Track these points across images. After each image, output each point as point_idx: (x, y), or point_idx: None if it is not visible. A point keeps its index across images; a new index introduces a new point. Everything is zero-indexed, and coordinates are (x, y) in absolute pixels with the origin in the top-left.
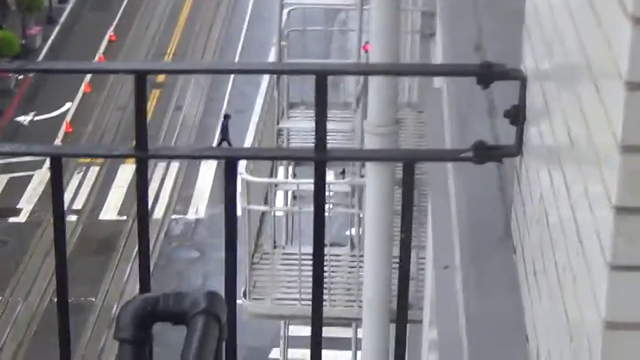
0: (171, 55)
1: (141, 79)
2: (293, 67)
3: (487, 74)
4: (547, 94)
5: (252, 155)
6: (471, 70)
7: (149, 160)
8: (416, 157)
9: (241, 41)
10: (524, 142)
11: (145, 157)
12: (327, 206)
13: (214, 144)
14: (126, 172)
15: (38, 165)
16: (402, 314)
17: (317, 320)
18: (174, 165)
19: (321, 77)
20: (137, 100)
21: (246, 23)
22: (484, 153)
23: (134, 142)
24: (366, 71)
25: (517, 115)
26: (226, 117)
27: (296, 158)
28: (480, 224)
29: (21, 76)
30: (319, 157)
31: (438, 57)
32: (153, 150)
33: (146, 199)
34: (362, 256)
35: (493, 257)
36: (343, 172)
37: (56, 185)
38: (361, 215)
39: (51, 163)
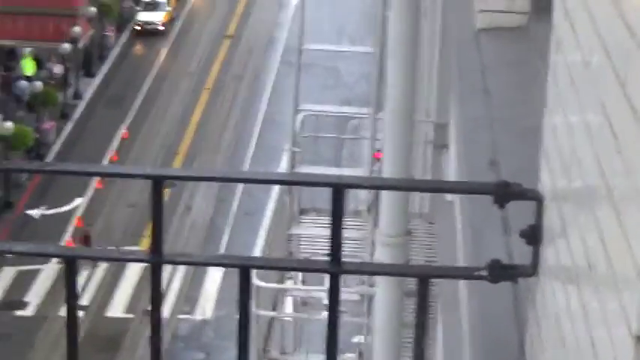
0: (182, 156)
1: (158, 184)
2: (309, 179)
3: (504, 194)
4: (565, 216)
5: (268, 265)
6: (487, 189)
7: None
8: (430, 273)
9: (253, 144)
10: (540, 262)
11: (160, 262)
12: None
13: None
14: (134, 269)
15: (47, 259)
16: None
17: None
18: (182, 265)
19: (338, 190)
20: (154, 205)
21: (258, 126)
22: (499, 272)
23: (146, 240)
24: (382, 186)
25: (534, 236)
26: None
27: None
28: (493, 344)
29: None
30: (334, 270)
31: (451, 169)
32: (168, 256)
33: (160, 304)
34: None
35: None
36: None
37: (69, 286)
38: (370, 324)
39: (65, 265)
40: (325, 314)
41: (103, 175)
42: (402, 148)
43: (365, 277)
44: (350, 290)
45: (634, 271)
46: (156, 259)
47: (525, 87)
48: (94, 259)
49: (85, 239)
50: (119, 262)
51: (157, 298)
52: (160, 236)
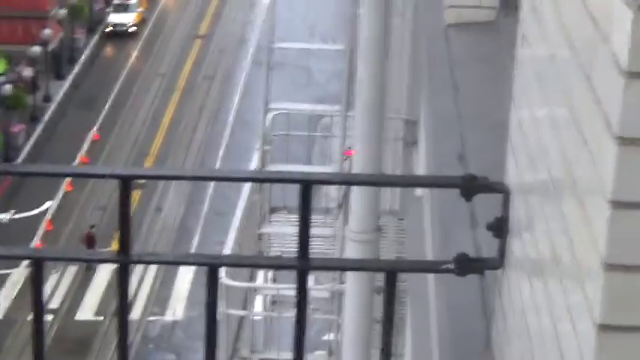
0: (153, 157)
1: (126, 184)
2: (277, 176)
3: (470, 187)
4: (531, 208)
5: (235, 262)
6: (454, 183)
7: None
8: (398, 267)
9: (224, 144)
10: (507, 254)
11: (128, 262)
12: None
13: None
14: (104, 272)
15: (16, 263)
16: None
17: None
18: (153, 266)
19: (307, 186)
20: (121, 205)
21: (229, 126)
22: (466, 265)
23: (116, 242)
24: (350, 181)
25: (500, 228)
26: None
27: (279, 267)
28: (460, 336)
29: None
30: (302, 266)
31: (421, 165)
32: (136, 255)
33: (127, 304)
34: None
35: None
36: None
37: (36, 288)
38: (340, 321)
39: (32, 267)
40: (295, 312)
41: (71, 175)
42: (373, 145)
43: (336, 275)
44: (320, 287)
45: (597, 262)
46: (123, 259)
47: (494, 82)
48: (62, 260)
49: (88, 240)
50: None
51: (124, 298)
52: (128, 236)
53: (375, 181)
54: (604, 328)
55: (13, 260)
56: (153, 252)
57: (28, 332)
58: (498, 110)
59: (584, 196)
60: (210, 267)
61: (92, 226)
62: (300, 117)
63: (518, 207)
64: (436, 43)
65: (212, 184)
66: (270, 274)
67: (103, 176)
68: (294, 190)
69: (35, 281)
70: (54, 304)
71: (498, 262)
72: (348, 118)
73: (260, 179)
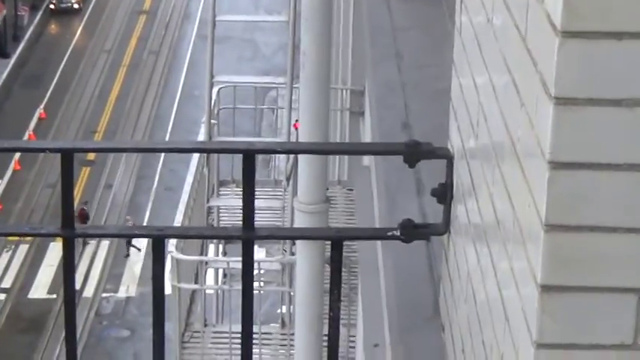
0: (101, 134)
1: (67, 157)
2: (221, 146)
3: (414, 153)
4: (473, 173)
5: (180, 234)
6: (397, 149)
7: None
8: (344, 235)
9: (172, 119)
10: (452, 220)
11: (73, 236)
12: (258, 284)
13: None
14: (56, 250)
15: None
16: None
17: None
18: (105, 243)
19: (249, 156)
20: (63, 178)
21: (176, 101)
22: (411, 231)
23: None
24: (293, 150)
25: (444, 194)
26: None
27: (224, 237)
28: (408, 302)
29: None
30: (247, 236)
31: (367, 135)
32: (80, 229)
33: (73, 279)
34: (293, 334)
35: (422, 335)
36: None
37: None
38: (292, 293)
39: None
40: None
41: (13, 150)
42: (319, 116)
43: (287, 248)
44: (270, 259)
45: (538, 224)
46: (68, 233)
47: (436, 49)
48: (6, 235)
49: (81, 216)
50: (32, 237)
51: (70, 273)
52: (71, 210)
53: (320, 149)
54: (546, 289)
55: None
56: (98, 225)
57: None
58: (441, 77)
59: (524, 158)
60: (156, 239)
61: (85, 202)
62: (247, 90)
63: (461, 172)
64: (378, 11)
65: (161, 159)
66: (221, 248)
67: (44, 150)
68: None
69: None
70: (6, 284)
71: (443, 227)
72: (294, 91)
73: (204, 149)
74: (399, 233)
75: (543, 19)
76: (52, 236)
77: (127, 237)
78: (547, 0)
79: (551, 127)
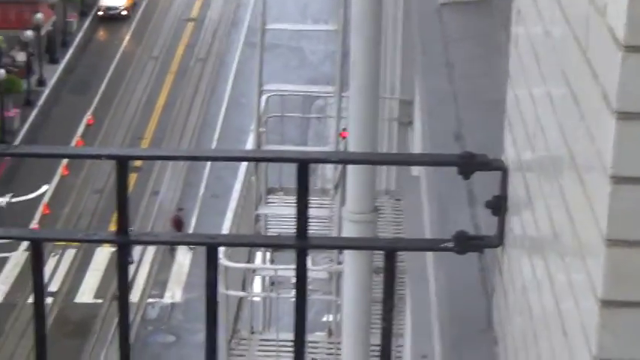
0: (148, 140)
1: (122, 164)
2: (275, 155)
3: (468, 164)
4: (529, 185)
5: (233, 242)
6: (452, 160)
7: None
8: (397, 246)
9: (219, 127)
10: (506, 232)
11: (126, 242)
12: None
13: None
14: (102, 255)
15: (14, 247)
16: None
17: None
18: (151, 248)
19: (303, 165)
20: (118, 186)
21: (223, 109)
22: (465, 243)
23: (113, 226)
24: (347, 160)
25: (499, 206)
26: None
27: (276, 245)
28: (461, 314)
29: None
30: (301, 245)
31: (416, 145)
32: (134, 235)
33: (127, 285)
34: (340, 343)
35: (474, 348)
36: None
37: (36, 269)
38: (339, 302)
39: (31, 248)
40: (294, 292)
41: (67, 156)
42: (368, 125)
43: (333, 257)
44: (318, 268)
45: (598, 238)
46: (122, 239)
47: (489, 59)
48: (60, 241)
49: (176, 223)
50: (86, 243)
51: (123, 278)
52: (126, 216)
53: (373, 159)
54: (607, 304)
55: (12, 244)
56: (151, 232)
57: (28, 316)
58: (493, 88)
59: (584, 172)
60: (209, 246)
61: (180, 209)
62: (294, 99)
63: (516, 184)
64: (429, 21)
65: (208, 166)
66: (268, 255)
67: (99, 157)
68: (290, 171)
69: (35, 263)
70: (53, 287)
71: (497, 239)
72: (342, 100)
73: (257, 158)
74: (452, 245)
75: (605, 32)
76: (107, 242)
77: (179, 244)
78: (610, 13)
79: (613, 141)
